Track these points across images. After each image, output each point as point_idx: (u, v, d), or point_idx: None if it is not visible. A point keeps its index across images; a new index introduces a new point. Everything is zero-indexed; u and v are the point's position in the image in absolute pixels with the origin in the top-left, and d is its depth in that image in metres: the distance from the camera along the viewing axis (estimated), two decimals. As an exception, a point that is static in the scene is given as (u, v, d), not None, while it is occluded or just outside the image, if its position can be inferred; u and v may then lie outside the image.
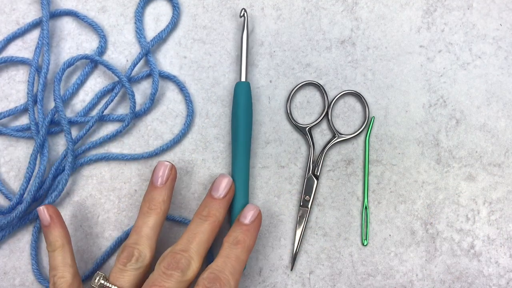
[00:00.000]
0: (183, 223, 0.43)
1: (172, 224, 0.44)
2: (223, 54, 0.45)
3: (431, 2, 0.46)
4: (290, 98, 0.44)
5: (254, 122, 0.45)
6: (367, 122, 0.44)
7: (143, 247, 0.36)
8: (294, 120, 0.44)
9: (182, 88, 0.45)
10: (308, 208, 0.43)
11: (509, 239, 0.44)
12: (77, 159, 0.44)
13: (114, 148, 0.44)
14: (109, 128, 0.45)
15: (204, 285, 0.35)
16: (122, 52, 0.45)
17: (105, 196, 0.44)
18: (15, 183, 0.44)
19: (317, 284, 0.43)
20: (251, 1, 0.46)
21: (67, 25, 0.46)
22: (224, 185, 0.39)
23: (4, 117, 0.44)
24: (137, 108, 0.44)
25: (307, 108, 0.45)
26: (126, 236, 0.43)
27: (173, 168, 0.39)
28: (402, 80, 0.45)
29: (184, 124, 0.44)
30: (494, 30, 0.45)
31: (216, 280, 0.35)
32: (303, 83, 0.44)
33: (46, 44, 0.43)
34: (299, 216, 0.43)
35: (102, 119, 0.44)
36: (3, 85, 0.45)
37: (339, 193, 0.44)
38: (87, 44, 0.45)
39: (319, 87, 0.44)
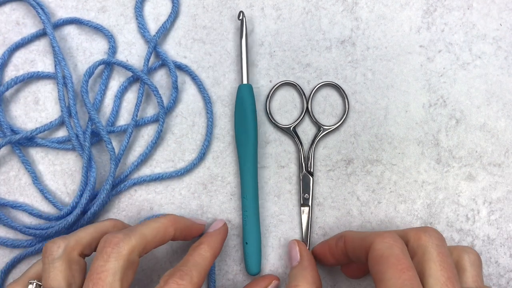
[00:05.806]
0: (183, 223, 0.43)
1: (172, 224, 0.44)
2: (223, 54, 0.45)
3: (431, 2, 0.46)
4: (268, 101, 0.44)
5: (254, 122, 0.45)
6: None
7: None
8: (276, 122, 0.44)
9: (197, 82, 0.44)
10: (309, 206, 0.43)
11: (509, 239, 0.44)
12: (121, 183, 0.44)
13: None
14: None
15: (164, 278, 0.33)
16: (122, 52, 0.45)
17: (105, 196, 0.44)
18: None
19: (317, 284, 0.43)
20: (251, 1, 0.46)
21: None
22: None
23: (40, 132, 0.43)
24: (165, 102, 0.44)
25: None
26: None
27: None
28: (402, 80, 0.45)
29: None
30: (494, 30, 0.45)
31: (176, 271, 0.33)
32: (279, 83, 0.44)
33: (62, 59, 0.43)
34: (302, 215, 0.43)
35: (138, 124, 0.44)
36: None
37: (339, 193, 0.44)
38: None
39: (295, 86, 0.45)
